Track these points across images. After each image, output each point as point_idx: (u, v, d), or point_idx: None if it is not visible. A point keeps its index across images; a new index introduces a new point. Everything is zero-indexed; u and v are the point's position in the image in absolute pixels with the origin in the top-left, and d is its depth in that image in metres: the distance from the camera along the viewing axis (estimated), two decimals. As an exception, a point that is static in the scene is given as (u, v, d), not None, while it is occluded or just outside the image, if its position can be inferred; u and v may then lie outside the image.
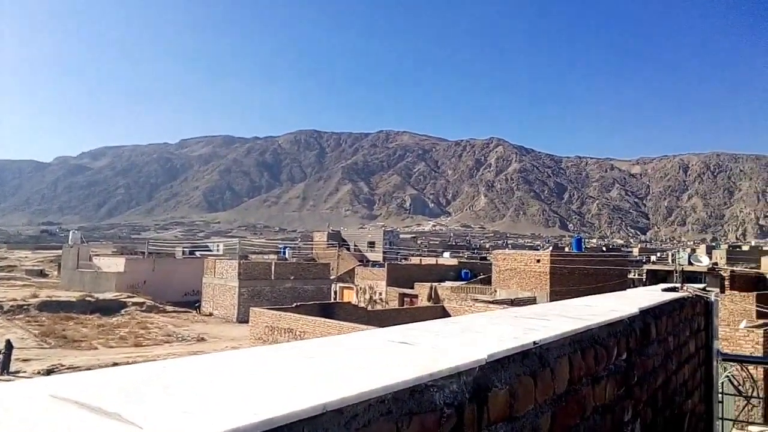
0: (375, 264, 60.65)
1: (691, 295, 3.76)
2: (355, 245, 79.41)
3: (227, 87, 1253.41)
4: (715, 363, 4.12)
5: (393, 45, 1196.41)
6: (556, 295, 33.62)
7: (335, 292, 50.62)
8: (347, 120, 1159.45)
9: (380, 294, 47.73)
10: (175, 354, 27.28)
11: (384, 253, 73.69)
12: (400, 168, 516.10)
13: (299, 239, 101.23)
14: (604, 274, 37.62)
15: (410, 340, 1.41)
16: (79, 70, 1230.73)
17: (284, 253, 60.88)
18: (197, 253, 69.93)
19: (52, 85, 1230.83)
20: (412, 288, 44.84)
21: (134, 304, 42.55)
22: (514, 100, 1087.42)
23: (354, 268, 56.20)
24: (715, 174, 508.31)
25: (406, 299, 44.85)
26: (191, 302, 47.01)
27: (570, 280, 36.37)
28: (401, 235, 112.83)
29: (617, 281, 36.21)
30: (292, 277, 45.99)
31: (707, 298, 4.03)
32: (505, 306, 23.07)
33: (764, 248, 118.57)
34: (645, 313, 2.53)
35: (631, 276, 46.79)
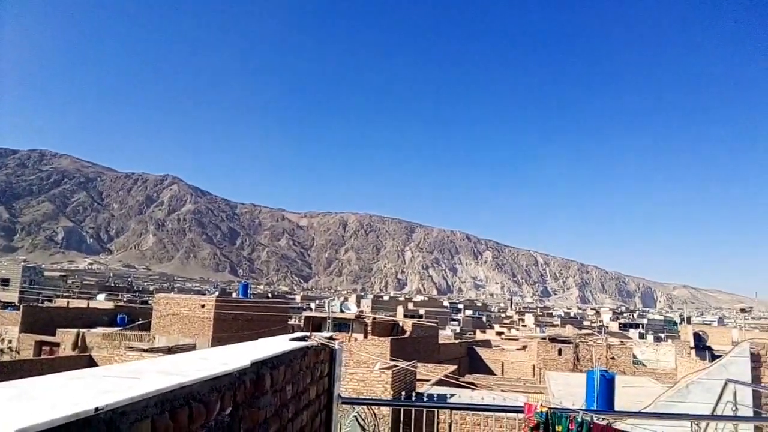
0: (8, 306, 51.10)
1: (317, 344, 4.03)
2: (-18, 282, 65.83)
3: None
4: (334, 406, 4.48)
5: (56, 51, 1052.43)
6: (218, 341, 33.32)
7: (-56, 340, 40.70)
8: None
9: (10, 342, 40.16)
10: None
11: (21, 293, 62.71)
12: (55, 195, 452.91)
13: None
14: (267, 320, 38.75)
15: None
16: None
17: None
18: None
19: None
20: (54, 335, 38.94)
21: None
22: (194, 140, 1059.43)
23: (-24, 310, 46.32)
24: (367, 232, 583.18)
25: (44, 348, 38.65)
26: None
27: (234, 326, 36.44)
28: (47, 273, 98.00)
29: (279, 327, 37.80)
30: None
31: (332, 346, 4.39)
32: (161, 354, 21.71)
33: (400, 299, 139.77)
34: (260, 364, 2.56)
35: (291, 322, 49.43)
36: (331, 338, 4.55)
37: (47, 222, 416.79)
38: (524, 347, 49.06)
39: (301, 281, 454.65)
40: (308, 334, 4.33)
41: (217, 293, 61.25)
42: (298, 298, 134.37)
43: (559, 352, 36.10)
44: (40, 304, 54.81)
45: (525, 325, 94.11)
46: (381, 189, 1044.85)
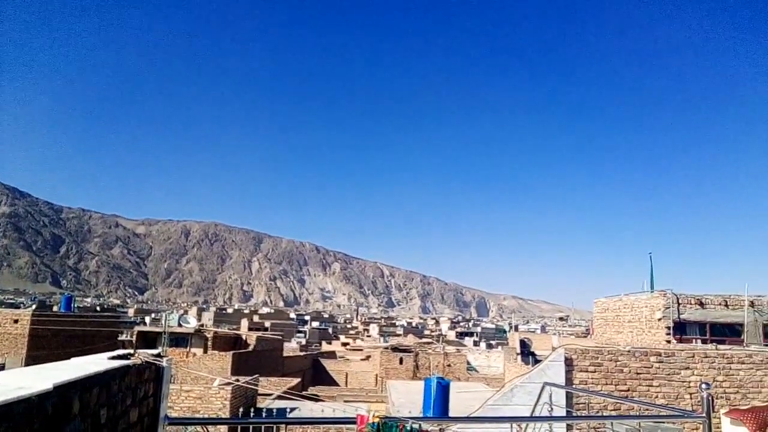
0: None
1: (140, 362, 3.73)
2: None
3: None
4: (160, 428, 4.17)
5: None
6: (34, 360, 30.16)
7: None
8: None
9: None
10: None
11: None
12: None
13: None
14: (94, 336, 36.04)
15: None
16: None
17: None
18: None
19: None
20: None
21: None
22: (9, 134, 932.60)
23: None
24: (212, 242, 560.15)
25: None
26: None
27: (54, 343, 33.20)
28: None
29: (107, 344, 34.96)
30: None
31: (159, 363, 4.09)
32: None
33: (245, 311, 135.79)
34: (67, 387, 2.29)
35: (122, 338, 45.85)
36: (158, 355, 4.24)
37: None
38: (368, 357, 50.15)
39: (136, 293, 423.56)
40: (131, 351, 3.99)
41: (34, 306, 54.75)
42: (131, 311, 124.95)
43: (401, 360, 37.41)
44: None
45: (369, 336, 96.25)
46: (228, 197, 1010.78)
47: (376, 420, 3.62)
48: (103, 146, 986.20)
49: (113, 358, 3.55)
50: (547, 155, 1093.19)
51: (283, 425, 5.30)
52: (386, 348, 43.81)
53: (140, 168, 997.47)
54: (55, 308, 50.98)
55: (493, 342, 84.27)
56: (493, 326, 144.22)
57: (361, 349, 60.52)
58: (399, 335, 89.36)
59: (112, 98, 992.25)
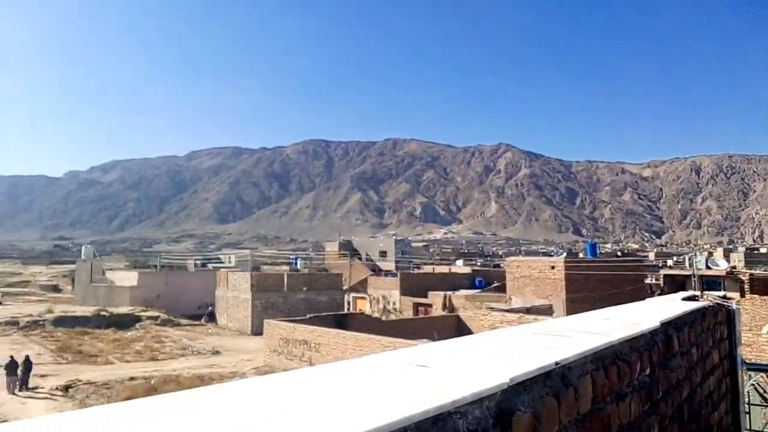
0: (388, 273, 60.35)
1: (711, 304, 3.67)
2: (367, 254, 79.26)
3: (234, 98, 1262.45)
4: (739, 372, 4.03)
5: (398, 51, 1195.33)
6: (571, 303, 33.37)
7: (348, 303, 50.50)
8: (354, 129, 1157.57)
9: (394, 303, 47.53)
10: (192, 367, 27.27)
11: (396, 262, 73.43)
12: (409, 176, 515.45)
13: (310, 249, 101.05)
14: (620, 279, 37.07)
15: (429, 363, 1.37)
16: (86, 83, 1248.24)
17: (296, 263, 61.04)
18: (209, 266, 70.28)
19: (60, 98, 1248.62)
20: (426, 297, 44.60)
21: (149, 318, 42.74)
22: (522, 105, 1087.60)
23: (366, 277, 56.06)
24: (728, 176, 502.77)
25: (420, 308, 44.61)
26: (201, 315, 47.25)
27: (585, 286, 35.85)
28: (413, 244, 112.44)
29: (633, 287, 35.78)
30: (304, 288, 45.93)
31: (729, 306, 3.94)
32: (522, 315, 22.84)
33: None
34: (667, 325, 2.46)
35: (648, 281, 46.22)
36: (725, 297, 4.09)
37: (406, 200, 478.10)
38: None
39: (653, 237, 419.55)
40: (698, 293, 3.97)
41: (564, 254, 61.23)
42: (651, 255, 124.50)
43: None
44: (411, 271, 63.44)
45: None
46: (740, 123, 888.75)
47: None
48: (600, 99, 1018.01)
49: (685, 299, 3.62)
50: None
51: None
52: None
53: (640, 111, 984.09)
54: (580, 255, 55.68)
55: None
56: None
57: None
58: None
59: (599, 54, 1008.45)
